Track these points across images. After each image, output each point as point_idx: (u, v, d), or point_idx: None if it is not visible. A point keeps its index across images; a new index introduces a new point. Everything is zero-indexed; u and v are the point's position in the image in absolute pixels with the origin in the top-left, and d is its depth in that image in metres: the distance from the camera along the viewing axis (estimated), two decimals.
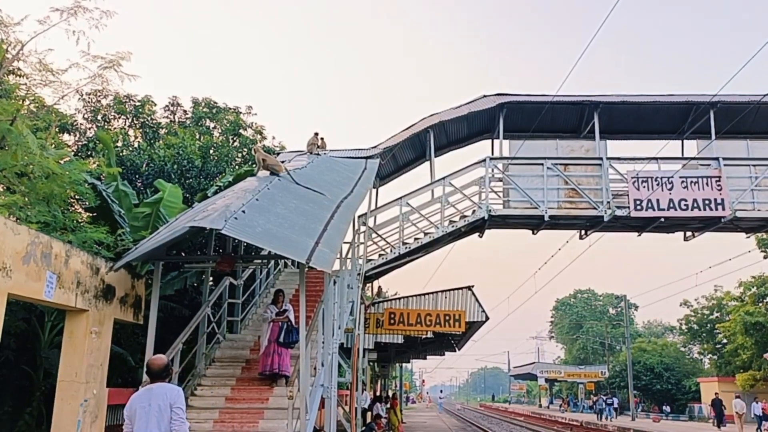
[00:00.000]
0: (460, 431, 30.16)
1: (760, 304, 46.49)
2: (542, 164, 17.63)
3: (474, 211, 17.65)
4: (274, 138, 21.84)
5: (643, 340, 72.94)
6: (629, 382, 45.38)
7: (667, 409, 55.38)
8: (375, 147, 18.60)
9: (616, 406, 43.29)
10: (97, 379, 8.71)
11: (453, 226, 17.65)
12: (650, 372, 61.91)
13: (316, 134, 16.73)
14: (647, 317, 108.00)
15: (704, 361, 68.54)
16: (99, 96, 17.70)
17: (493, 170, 17.91)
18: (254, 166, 16.36)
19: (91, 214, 11.63)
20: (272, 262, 14.95)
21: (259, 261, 13.77)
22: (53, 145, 10.09)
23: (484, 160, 17.86)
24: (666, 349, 66.95)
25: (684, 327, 63.36)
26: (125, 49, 10.32)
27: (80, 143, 16.57)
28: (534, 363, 79.36)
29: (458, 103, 18.52)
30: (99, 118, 17.69)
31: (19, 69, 9.93)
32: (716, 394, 37.57)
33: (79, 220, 11.27)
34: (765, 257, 43.87)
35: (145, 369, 5.46)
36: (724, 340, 54.42)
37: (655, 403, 60.04)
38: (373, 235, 18.17)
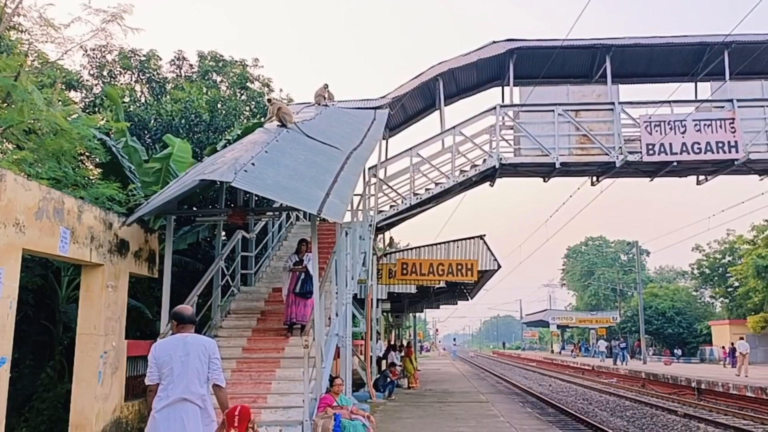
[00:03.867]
0: (473, 377, 30.70)
1: None
2: (553, 111, 17.42)
3: (485, 160, 17.55)
4: (281, 90, 21.66)
5: (654, 285, 73.24)
6: (641, 327, 45.76)
7: (678, 352, 55.95)
8: (383, 97, 18.41)
9: (624, 346, 43.80)
10: (116, 331, 8.87)
11: (464, 176, 17.59)
12: (662, 316, 62.38)
13: (326, 85, 16.53)
14: (659, 263, 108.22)
15: (716, 305, 68.92)
16: (103, 51, 17.51)
17: (503, 118, 17.73)
18: (262, 118, 16.27)
19: (101, 170, 11.64)
20: (284, 214, 15.01)
21: (271, 213, 13.83)
22: (60, 102, 10.03)
23: (495, 108, 17.67)
24: (678, 294, 67.28)
25: (696, 271, 63.54)
26: (127, 1, 10.12)
27: (87, 99, 16.49)
28: (546, 310, 79.96)
29: (467, 50, 18.24)
30: (105, 73, 17.54)
31: (20, 24, 9.81)
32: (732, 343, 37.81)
33: (90, 176, 11.30)
34: None
35: (171, 317, 5.38)
36: (736, 284, 54.56)
37: (666, 347, 60.66)
38: (384, 186, 18.14)
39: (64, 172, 9.42)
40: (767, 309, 46.24)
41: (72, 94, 16.14)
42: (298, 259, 10.80)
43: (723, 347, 42.85)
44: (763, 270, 45.19)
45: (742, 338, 31.37)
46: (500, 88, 19.77)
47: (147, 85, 18.15)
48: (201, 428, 5.16)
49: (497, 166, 17.26)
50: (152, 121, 15.51)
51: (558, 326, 74.33)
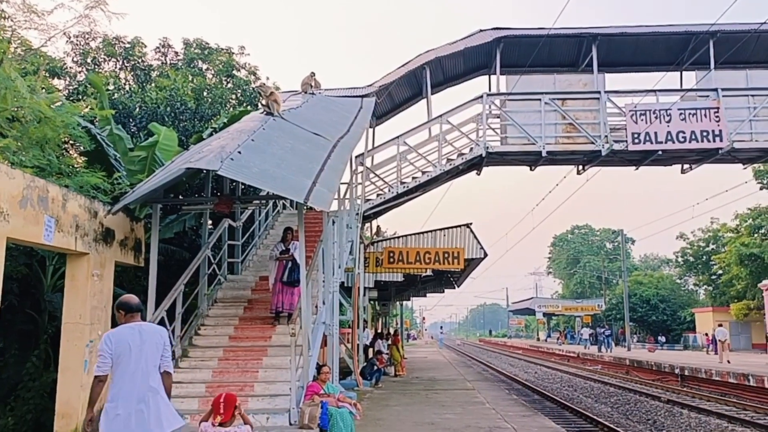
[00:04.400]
0: (460, 365, 30.89)
1: (756, 235, 46.92)
2: (540, 99, 17.46)
3: (471, 148, 17.58)
4: (268, 78, 21.51)
5: (639, 273, 73.93)
6: (625, 314, 46.19)
7: (662, 339, 56.59)
8: (370, 85, 18.35)
9: (608, 333, 44.30)
10: (102, 320, 8.84)
11: (451, 165, 17.61)
12: (646, 304, 63.01)
13: (312, 74, 16.43)
14: (644, 251, 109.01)
15: (699, 293, 69.69)
16: (87, 38, 17.32)
17: (490, 107, 17.75)
18: (249, 107, 16.19)
19: (86, 159, 11.54)
20: (271, 203, 14.97)
21: (258, 202, 13.80)
22: (43, 89, 9.92)
23: (481, 97, 17.68)
24: (662, 282, 67.98)
25: (680, 259, 64.12)
26: None
27: (71, 87, 16.32)
28: (532, 298, 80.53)
29: (454, 39, 18.22)
30: (89, 61, 17.35)
31: (2, 11, 9.67)
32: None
33: (75, 165, 11.21)
34: (761, 188, 44.05)
35: (117, 307, 5.38)
36: (720, 272, 55.17)
37: (650, 334, 61.33)
38: (371, 174, 18.14)
39: (48, 161, 9.34)
40: (750, 296, 46.81)
41: (56, 81, 15.98)
42: (284, 248, 10.80)
43: (706, 334, 43.41)
44: (746, 258, 45.71)
45: (720, 325, 31.87)
46: (487, 76, 19.77)
47: (132, 73, 17.98)
48: (163, 413, 5.17)
49: (484, 155, 17.29)
50: (137, 109, 15.39)
51: (544, 314, 74.92)
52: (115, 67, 18.00)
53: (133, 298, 5.44)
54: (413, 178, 17.83)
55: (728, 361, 26.93)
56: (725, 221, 55.58)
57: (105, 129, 11.95)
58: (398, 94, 19.98)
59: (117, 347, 5.10)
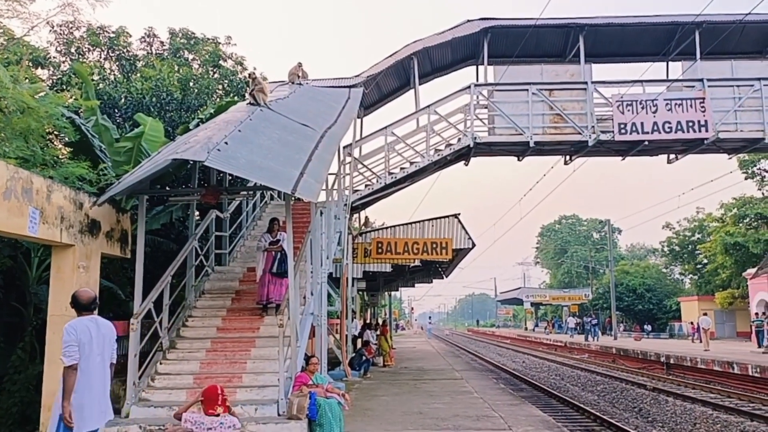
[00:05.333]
0: (448, 355, 31.04)
1: (740, 225, 47.40)
2: (527, 90, 17.48)
3: (459, 139, 17.59)
4: (255, 69, 21.37)
5: (626, 262, 74.48)
6: (612, 304, 46.59)
7: (648, 328, 57.12)
8: (358, 76, 18.28)
9: (595, 322, 44.68)
10: None
11: (439, 155, 17.62)
12: (632, 293, 63.54)
13: (300, 64, 16.33)
14: (630, 240, 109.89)
15: (685, 282, 70.39)
16: (71, 28, 17.13)
17: (477, 97, 17.75)
18: (236, 97, 16.08)
19: (71, 149, 11.43)
20: (258, 194, 14.92)
21: (245, 193, 13.74)
22: (26, 79, 9.80)
23: (469, 87, 17.67)
24: (648, 271, 68.52)
25: (666, 249, 64.72)
26: None
27: (54, 77, 16.13)
28: (520, 288, 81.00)
29: (442, 29, 18.20)
30: (72, 50, 17.16)
31: None
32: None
33: (59, 156, 11.10)
34: (746, 178, 44.45)
35: (73, 300, 5.52)
36: (705, 261, 55.73)
37: (636, 323, 61.88)
38: (359, 165, 18.11)
39: (32, 152, 9.24)
40: (735, 285, 47.32)
41: (39, 71, 15.79)
42: (272, 239, 10.76)
43: (691, 323, 43.85)
44: (730, 247, 46.18)
45: (705, 314, 32.26)
46: (475, 67, 19.76)
47: (117, 63, 17.81)
48: (109, 403, 5.51)
49: (472, 145, 17.31)
50: (123, 100, 15.25)
51: (532, 304, 75.40)
52: (100, 57, 17.82)
53: (84, 296, 5.52)
54: (401, 168, 17.82)
55: (706, 349, 27.32)
56: (711, 211, 56.14)
57: (90, 119, 11.82)
58: (386, 85, 19.92)
59: (81, 336, 5.28)
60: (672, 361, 24.99)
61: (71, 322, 5.45)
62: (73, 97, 12.34)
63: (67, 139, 11.15)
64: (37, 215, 7.62)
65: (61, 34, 17.11)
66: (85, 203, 8.86)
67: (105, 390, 5.41)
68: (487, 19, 17.93)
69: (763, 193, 46.99)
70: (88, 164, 9.97)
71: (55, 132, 11.60)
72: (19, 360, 9.98)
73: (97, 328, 5.38)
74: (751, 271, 38.57)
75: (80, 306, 5.47)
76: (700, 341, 32.21)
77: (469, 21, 17.96)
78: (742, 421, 13.73)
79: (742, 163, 43.87)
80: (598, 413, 14.86)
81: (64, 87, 14.99)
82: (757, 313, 32.22)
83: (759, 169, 45.71)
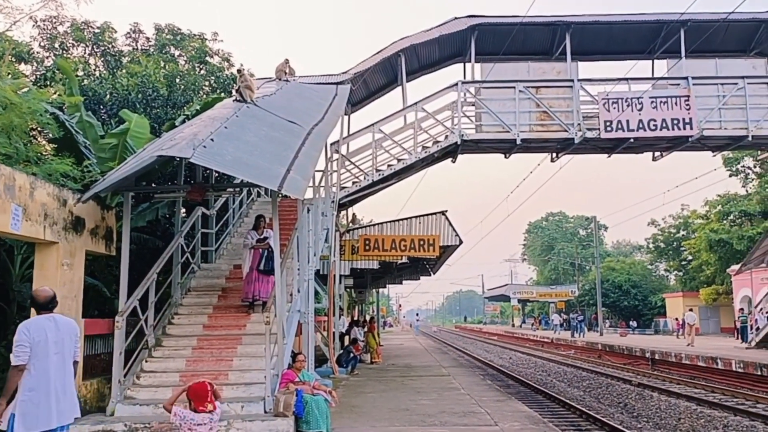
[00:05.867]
0: (436, 351, 31.11)
1: (725, 222, 47.84)
2: (514, 87, 17.54)
3: (447, 136, 17.62)
4: (242, 65, 21.24)
5: (612, 259, 75.02)
6: (598, 300, 46.87)
7: (634, 324, 57.58)
8: (345, 73, 18.26)
9: (581, 318, 45.03)
10: (72, 310, 8.70)
11: (426, 152, 17.64)
12: (618, 289, 64.00)
13: (287, 60, 16.28)
14: (616, 237, 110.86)
15: (670, 278, 70.98)
16: (55, 22, 16.92)
17: (465, 94, 17.78)
18: (222, 93, 16.00)
19: (54, 146, 11.32)
20: (245, 191, 14.86)
21: (231, 190, 13.67)
22: (9, 75, 9.69)
23: (456, 84, 17.70)
24: (633, 268, 69.06)
25: (651, 245, 65.24)
26: None
27: (38, 73, 15.93)
28: (507, 285, 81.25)
29: (429, 26, 18.21)
30: (56, 46, 16.96)
31: None
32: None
33: (43, 152, 10.98)
34: (731, 175, 44.87)
35: (32, 298, 5.52)
36: (689, 257, 56.23)
37: (622, 319, 62.35)
38: (346, 162, 18.09)
39: (15, 148, 9.14)
40: (719, 281, 47.78)
41: (22, 66, 15.60)
42: (258, 236, 10.73)
43: (676, 319, 44.24)
44: (715, 244, 46.61)
45: (691, 310, 32.57)
46: (462, 64, 19.80)
47: (102, 59, 17.62)
48: (74, 402, 5.46)
49: (459, 143, 17.34)
50: (108, 96, 15.10)
51: (519, 300, 75.73)
52: (85, 53, 17.63)
53: (42, 294, 5.48)
54: (389, 165, 17.84)
55: (690, 344, 27.57)
56: (695, 208, 56.66)
57: (74, 116, 11.71)
58: (373, 82, 19.92)
59: (35, 336, 5.19)
60: (657, 357, 25.19)
61: (26, 321, 5.41)
62: (57, 93, 12.18)
63: (50, 135, 11.03)
64: (20, 212, 7.55)
65: (44, 29, 16.90)
66: (69, 200, 8.78)
67: (67, 388, 5.33)
68: (475, 16, 17.99)
69: (746, 190, 47.49)
70: (72, 161, 9.87)
71: (39, 128, 11.48)
72: (2, 358, 9.87)
73: (56, 327, 5.30)
74: (735, 267, 38.93)
75: (38, 305, 5.42)
76: (685, 337, 32.55)
77: (456, 18, 18.00)
78: (725, 416, 13.86)
79: (727, 160, 44.30)
80: (583, 408, 14.96)
81: (48, 83, 14.81)
82: (741, 309, 32.55)
83: (743, 166, 46.19)
